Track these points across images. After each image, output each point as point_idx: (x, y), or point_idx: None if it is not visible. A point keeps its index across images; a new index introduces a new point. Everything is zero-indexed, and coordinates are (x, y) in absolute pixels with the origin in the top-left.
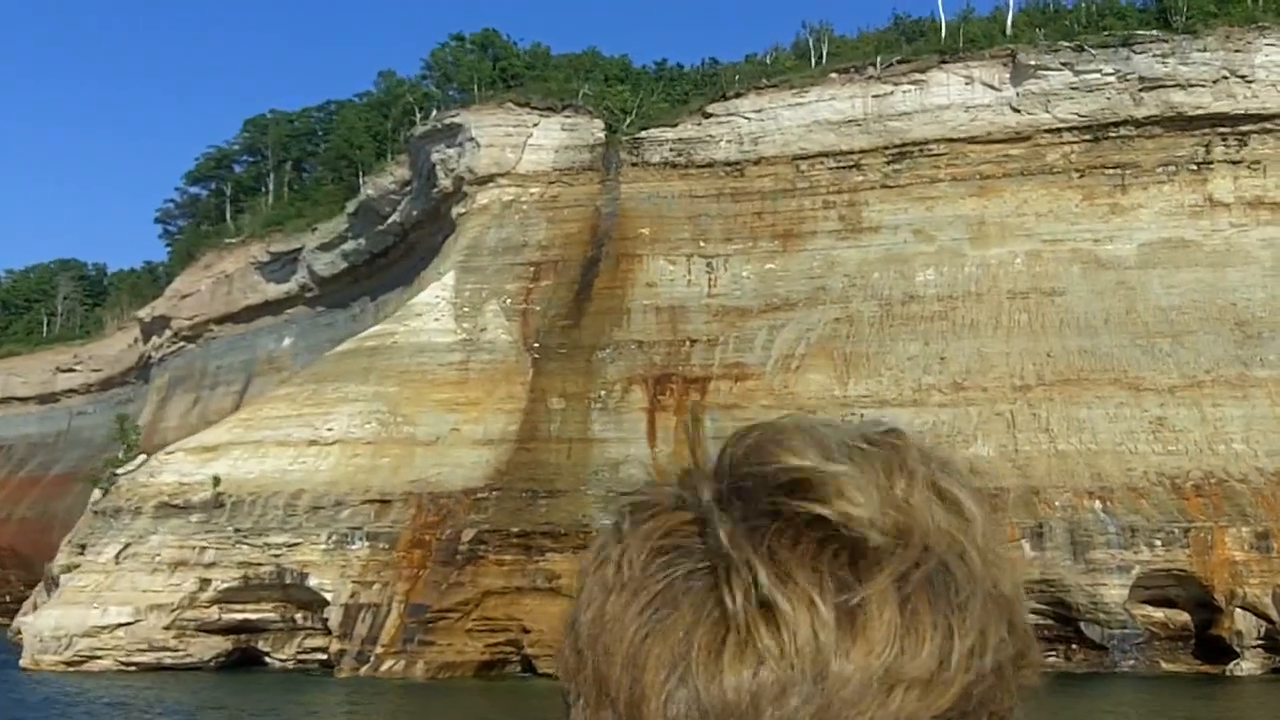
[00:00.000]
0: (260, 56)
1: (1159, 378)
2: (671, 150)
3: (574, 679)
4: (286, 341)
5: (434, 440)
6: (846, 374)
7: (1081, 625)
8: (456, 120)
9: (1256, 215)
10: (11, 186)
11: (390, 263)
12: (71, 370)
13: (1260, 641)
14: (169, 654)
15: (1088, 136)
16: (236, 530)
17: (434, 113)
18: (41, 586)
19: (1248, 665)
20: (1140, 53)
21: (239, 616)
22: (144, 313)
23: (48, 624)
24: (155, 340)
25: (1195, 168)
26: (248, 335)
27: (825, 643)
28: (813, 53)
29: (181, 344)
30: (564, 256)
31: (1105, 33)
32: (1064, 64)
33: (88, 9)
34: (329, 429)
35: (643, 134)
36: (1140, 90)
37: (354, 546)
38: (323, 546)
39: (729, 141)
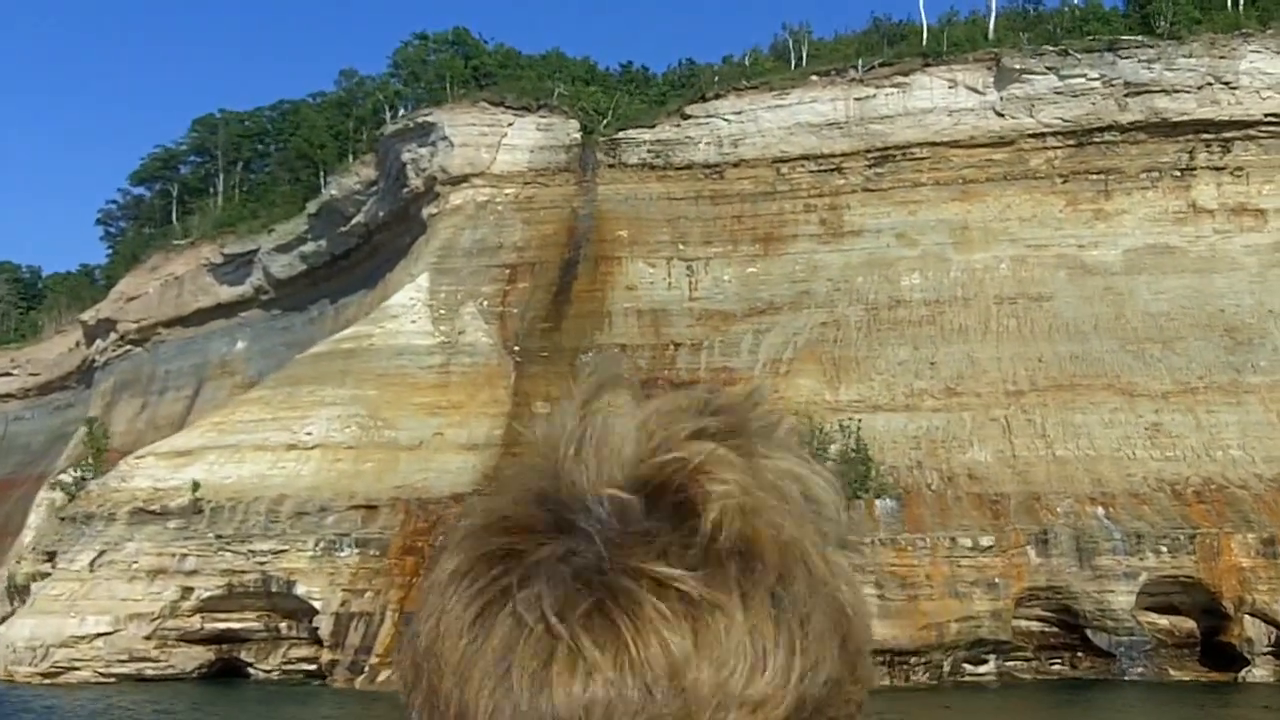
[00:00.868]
0: (209, 57)
1: (1152, 384)
2: (649, 151)
3: (411, 692)
4: (240, 345)
5: (417, 445)
6: (837, 379)
7: (1088, 633)
8: (429, 119)
9: (1240, 222)
10: None
11: (352, 265)
12: (8, 374)
13: (1271, 648)
14: (150, 665)
15: (1071, 141)
16: (218, 537)
17: (401, 111)
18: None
19: (1259, 672)
20: (1125, 58)
21: (221, 626)
22: (88, 315)
23: (21, 634)
24: (99, 344)
25: (1179, 174)
26: (198, 339)
27: (666, 659)
28: (792, 54)
29: (128, 348)
30: (541, 258)
31: (1089, 38)
32: (1049, 68)
33: (25, 5)
34: (308, 433)
35: (620, 135)
36: (1125, 95)
37: (343, 553)
38: (310, 553)
39: (708, 143)
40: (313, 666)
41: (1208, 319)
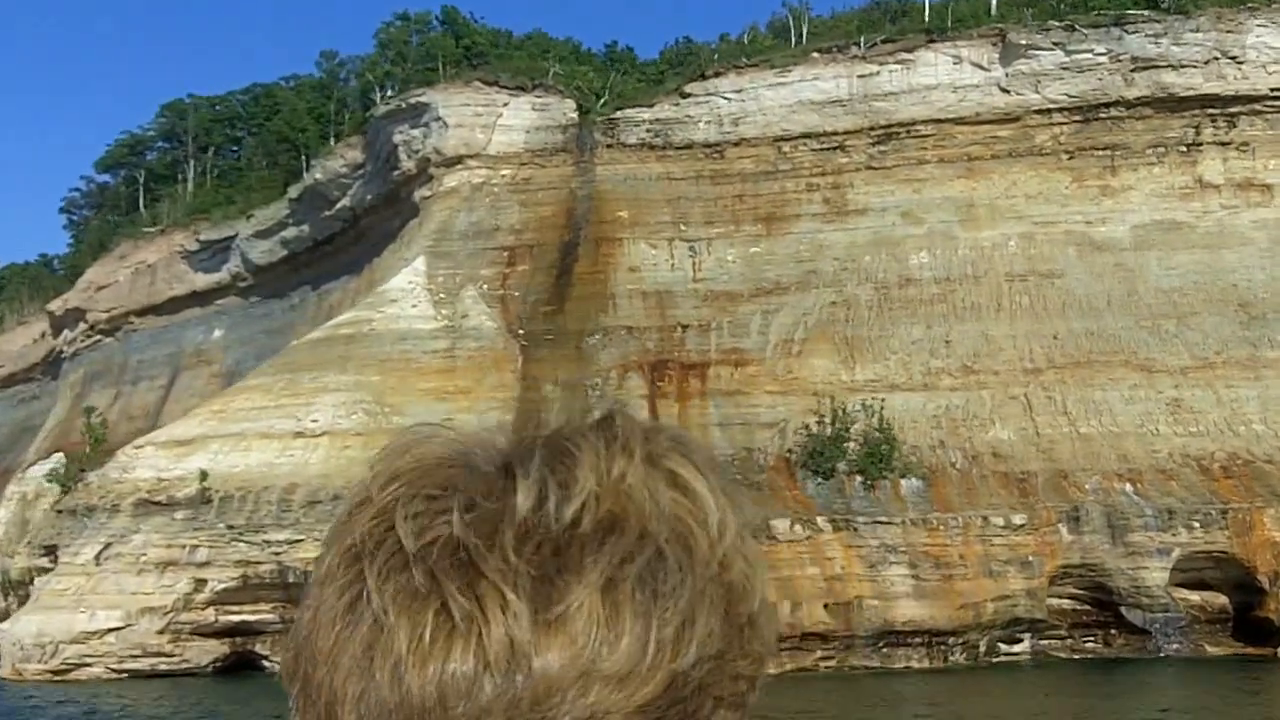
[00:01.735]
0: (176, 41)
1: (1170, 359)
2: (648, 131)
3: (290, 681)
4: (217, 333)
5: None
6: (851, 358)
7: (1123, 610)
8: (422, 99)
9: (1247, 197)
10: None
11: (336, 250)
12: None
13: None
14: (164, 660)
15: (1077, 117)
16: (230, 527)
17: (388, 92)
18: None
19: None
20: (1133, 33)
21: (236, 619)
22: (55, 306)
23: (28, 630)
24: (67, 334)
25: (1185, 149)
26: (172, 327)
27: (518, 638)
28: (793, 32)
29: (98, 338)
30: (539, 240)
31: (1095, 12)
32: (1055, 44)
33: None
34: (313, 420)
35: (618, 114)
36: (1132, 71)
37: None
38: None
39: (708, 122)
40: None
41: (1221, 294)
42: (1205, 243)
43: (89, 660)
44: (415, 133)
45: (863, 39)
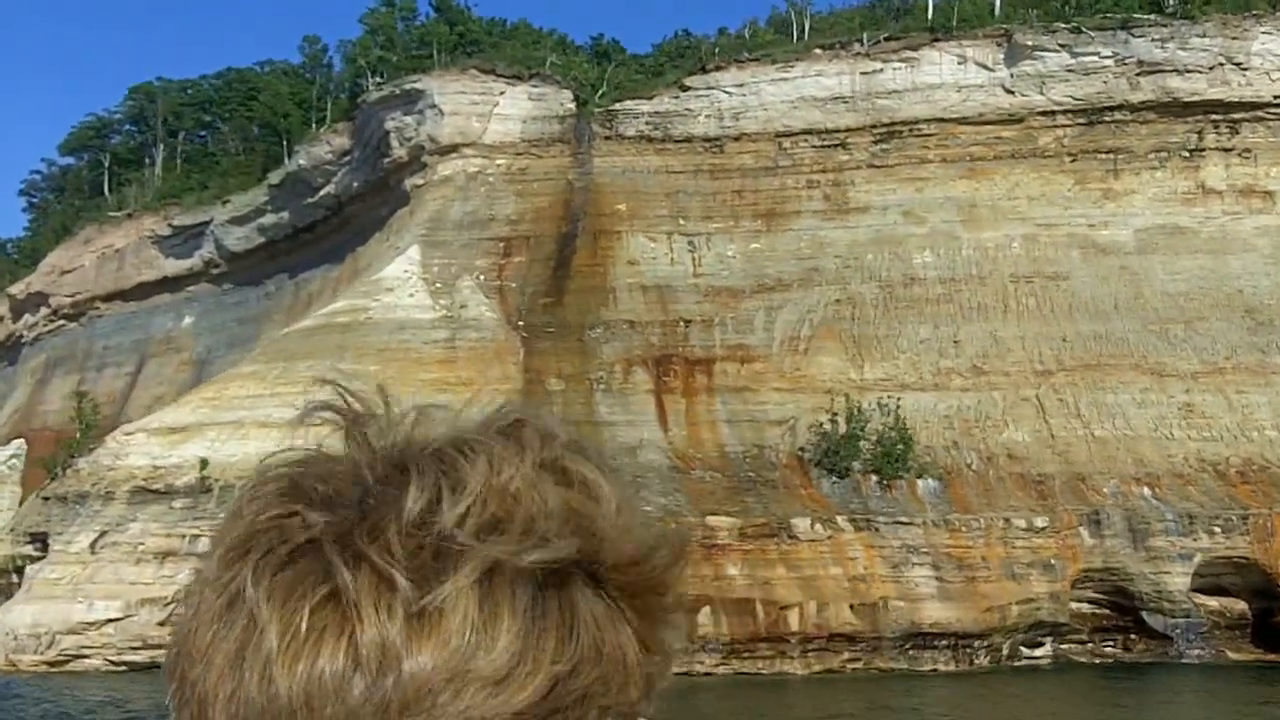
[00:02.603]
0: (145, 25)
1: (1180, 364)
2: (647, 124)
3: (169, 681)
4: (187, 320)
5: None
6: (860, 357)
7: (1144, 615)
8: (417, 86)
9: (1249, 203)
10: None
11: (317, 238)
12: None
13: None
14: (165, 652)
15: (1081, 120)
16: None
17: (379, 78)
18: None
19: None
20: (1139, 36)
21: None
22: (17, 289)
23: (22, 621)
24: (28, 318)
25: (1187, 154)
26: (140, 314)
27: (389, 638)
28: (794, 27)
29: (61, 323)
30: (536, 231)
31: (1101, 15)
32: (1061, 45)
33: None
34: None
35: (617, 106)
36: (1137, 74)
37: None
38: None
39: (708, 116)
40: None
41: (1227, 300)
42: (1209, 248)
43: (87, 651)
44: (408, 120)
45: (865, 36)
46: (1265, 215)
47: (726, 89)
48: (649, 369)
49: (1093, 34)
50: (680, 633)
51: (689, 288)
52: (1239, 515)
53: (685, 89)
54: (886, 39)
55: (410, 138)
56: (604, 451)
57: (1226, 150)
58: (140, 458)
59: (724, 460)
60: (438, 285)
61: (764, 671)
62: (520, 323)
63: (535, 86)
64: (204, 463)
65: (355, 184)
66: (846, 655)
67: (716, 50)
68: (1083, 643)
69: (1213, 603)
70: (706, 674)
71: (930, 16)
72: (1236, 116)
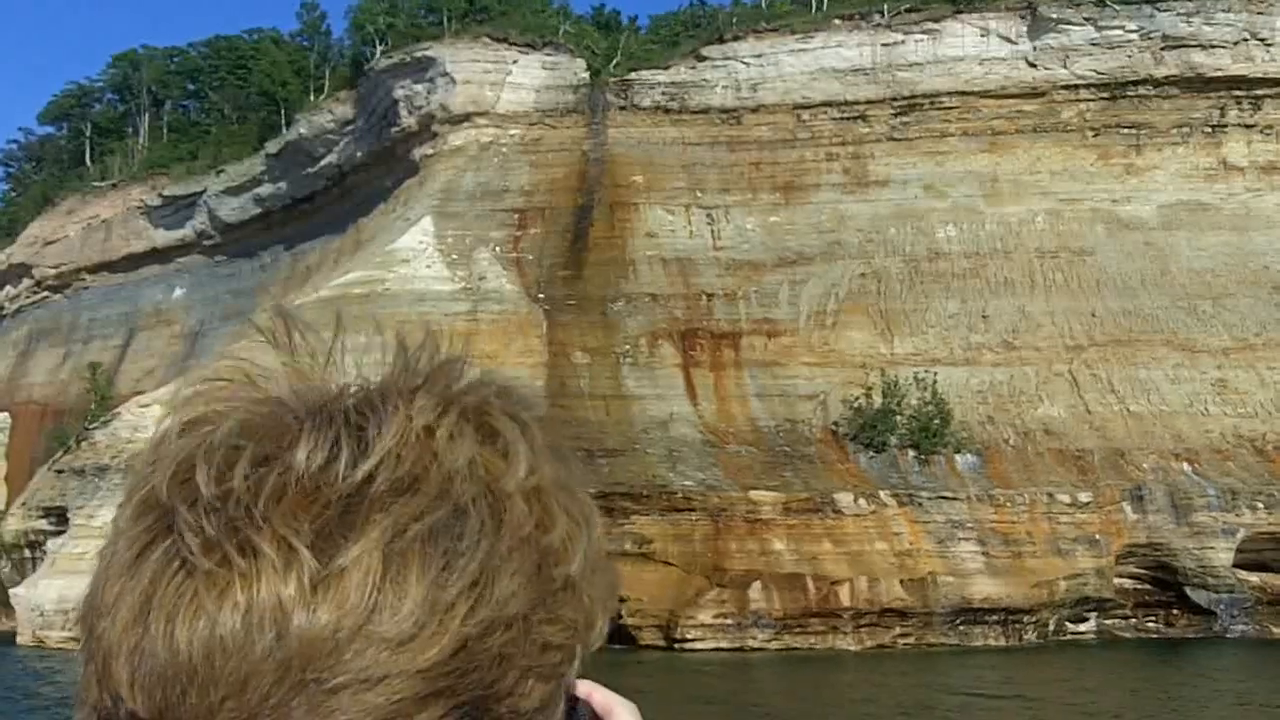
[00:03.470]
0: None
1: (1210, 340)
2: (663, 94)
3: (80, 633)
4: (178, 292)
5: None
6: (889, 331)
7: (1188, 590)
8: (428, 54)
9: (1271, 180)
10: None
11: (316, 208)
12: None
13: None
14: None
15: (1104, 94)
16: None
17: (385, 45)
18: None
19: None
20: (1164, 11)
21: None
22: None
23: (47, 596)
24: (9, 290)
25: (1209, 130)
26: (128, 285)
27: (290, 596)
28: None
29: (45, 294)
30: (551, 203)
31: None
32: (1086, 19)
33: None
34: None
35: (632, 76)
36: (1162, 49)
37: None
38: None
39: (725, 87)
40: None
41: (1253, 276)
42: (1232, 224)
43: None
44: (419, 88)
45: (886, 7)
46: None
47: (744, 59)
48: (675, 342)
49: (1117, 8)
50: (605, 597)
51: (709, 261)
52: None
53: (702, 59)
54: (908, 10)
55: (420, 106)
56: (535, 403)
57: (1249, 127)
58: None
59: (757, 435)
60: (454, 257)
61: (817, 647)
62: (540, 295)
63: (549, 55)
64: None
65: (359, 153)
66: (898, 630)
67: (734, 20)
68: (1126, 618)
69: (1254, 578)
70: (759, 649)
71: None
72: (1259, 93)
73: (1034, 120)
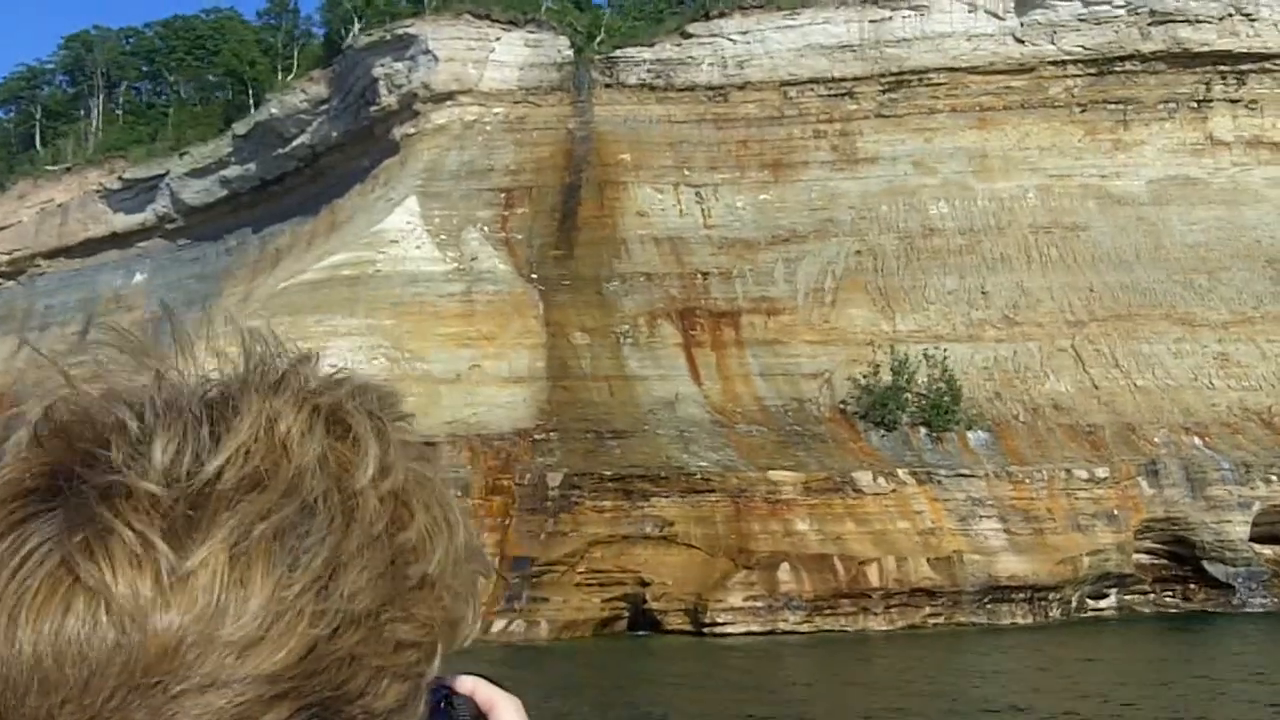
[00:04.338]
0: None
1: (1209, 314)
2: (649, 71)
3: None
4: (139, 277)
5: (454, 378)
6: (889, 308)
7: (1205, 564)
8: (409, 31)
9: (1257, 155)
10: None
11: (286, 190)
12: None
13: None
14: None
15: (1092, 70)
16: None
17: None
18: None
19: None
20: None
21: None
22: None
23: None
24: None
25: (1195, 105)
26: (85, 271)
27: (138, 598)
28: None
29: None
30: (538, 182)
31: None
32: None
33: None
34: (331, 365)
35: (617, 53)
36: (1149, 24)
37: None
38: None
39: (711, 64)
40: None
41: (1246, 250)
42: (1222, 199)
43: None
44: (399, 66)
45: None
46: (1274, 166)
47: (730, 36)
48: (674, 322)
49: None
50: (465, 595)
51: (701, 239)
52: None
53: (687, 36)
54: None
55: (401, 85)
56: (396, 397)
57: (1234, 101)
58: None
59: (765, 414)
60: (442, 237)
61: (848, 629)
62: (534, 275)
63: (531, 32)
64: None
65: (334, 133)
66: (928, 610)
67: None
68: (1144, 593)
69: (1267, 551)
70: (790, 632)
71: None
72: (1244, 68)
73: (1021, 96)
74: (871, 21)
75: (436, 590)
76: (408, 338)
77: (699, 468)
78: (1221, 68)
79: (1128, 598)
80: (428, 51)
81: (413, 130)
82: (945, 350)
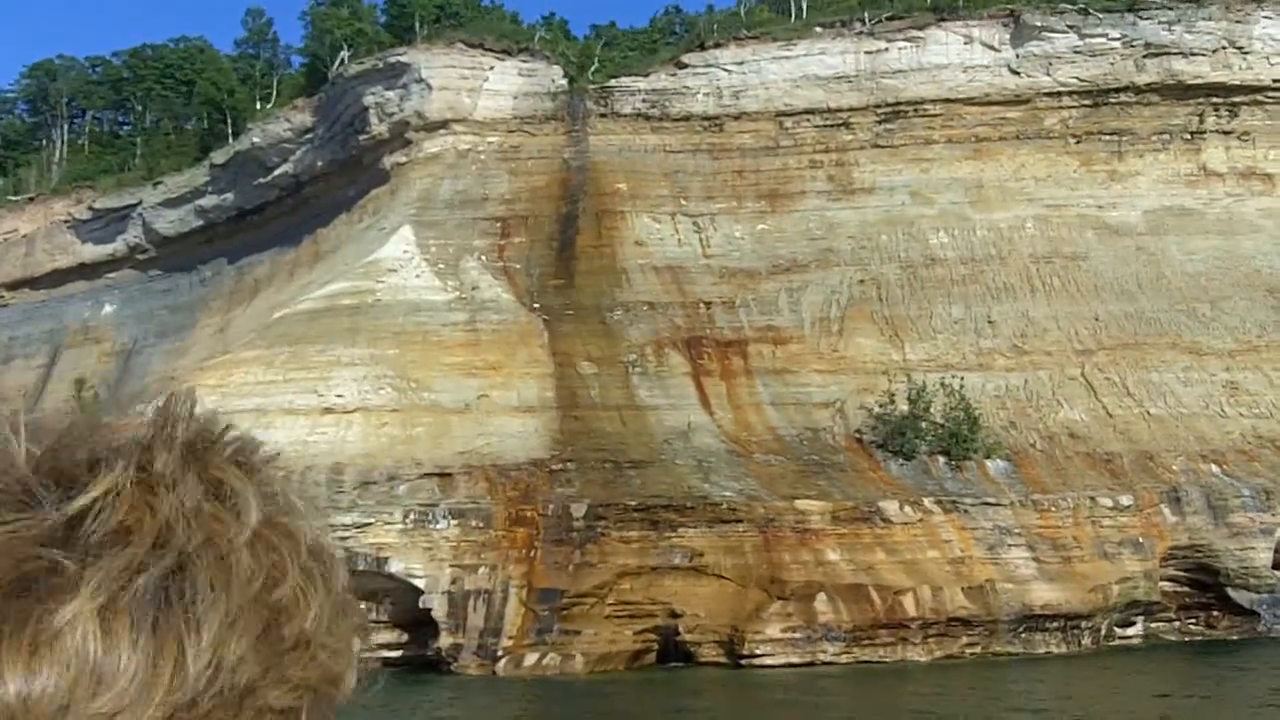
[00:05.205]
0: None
1: (1214, 343)
2: (644, 101)
3: None
4: (108, 309)
5: (463, 408)
6: (897, 337)
7: (1230, 591)
8: (402, 59)
9: (1249, 185)
10: None
11: (265, 220)
12: None
13: None
14: None
15: (1087, 102)
16: None
17: (345, 53)
18: None
19: None
20: (1146, 19)
21: None
22: None
23: None
24: None
25: (1189, 137)
26: (51, 302)
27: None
28: (792, 6)
29: None
30: (534, 211)
31: None
32: (1070, 26)
33: None
34: (338, 395)
35: (611, 83)
36: (1144, 56)
37: (439, 525)
38: (399, 526)
39: (706, 94)
40: (395, 654)
41: (1246, 279)
42: (1218, 229)
43: None
44: (390, 94)
45: (867, 15)
46: (1267, 197)
47: (725, 67)
48: (681, 351)
49: (1100, 15)
50: (339, 652)
51: (702, 269)
52: None
53: (682, 66)
54: (889, 18)
55: (392, 113)
56: (271, 454)
57: (1226, 133)
58: None
59: (780, 444)
60: (441, 266)
61: (886, 659)
62: (536, 305)
63: (525, 61)
64: None
65: (319, 162)
66: (965, 640)
67: (715, 28)
68: (1170, 621)
69: None
70: (829, 663)
71: None
72: (1237, 100)
73: (1017, 127)
74: (867, 52)
75: (311, 649)
76: (412, 367)
77: (723, 497)
78: (1215, 99)
79: (1154, 625)
80: (421, 80)
81: (404, 159)
82: (962, 379)
